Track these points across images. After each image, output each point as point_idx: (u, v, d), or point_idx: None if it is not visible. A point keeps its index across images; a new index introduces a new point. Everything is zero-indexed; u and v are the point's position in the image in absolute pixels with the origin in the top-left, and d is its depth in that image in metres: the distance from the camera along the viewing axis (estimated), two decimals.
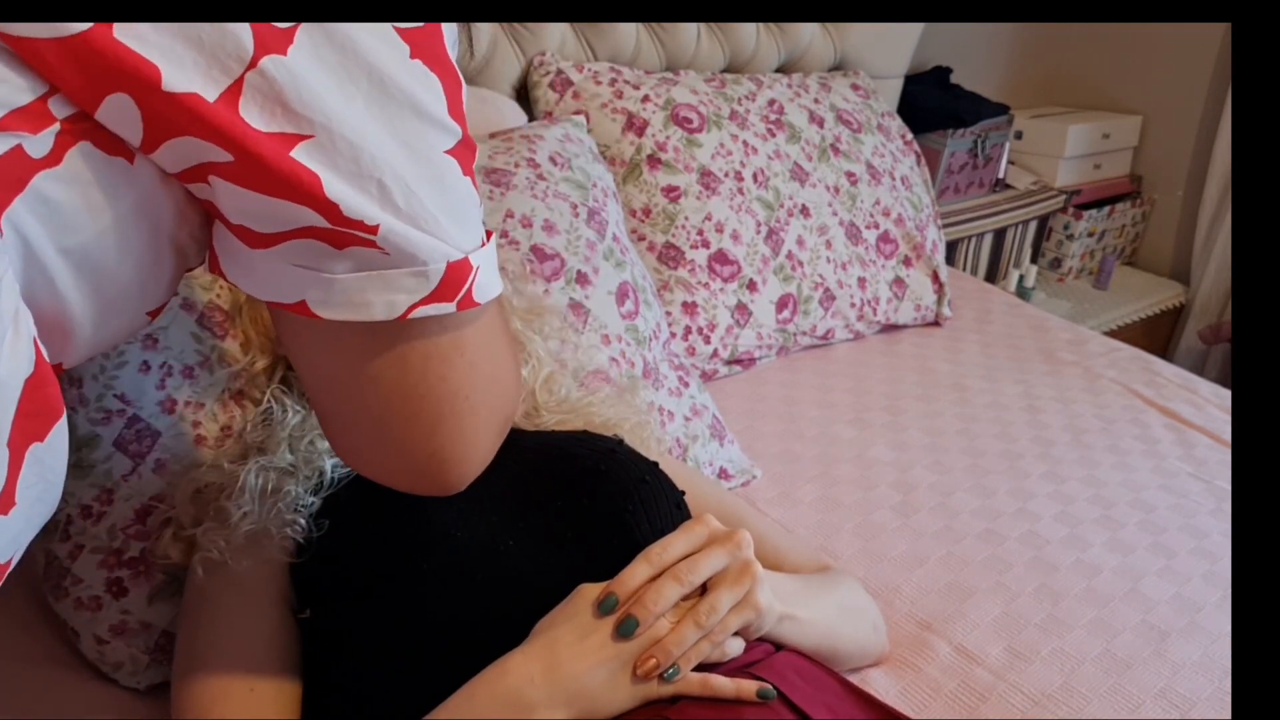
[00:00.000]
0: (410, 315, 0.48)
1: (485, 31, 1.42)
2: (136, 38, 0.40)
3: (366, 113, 0.44)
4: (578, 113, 1.45)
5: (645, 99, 1.47)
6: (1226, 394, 1.54)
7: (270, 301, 0.49)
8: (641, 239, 1.41)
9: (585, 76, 1.47)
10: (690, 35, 1.62)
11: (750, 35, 1.69)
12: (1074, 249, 2.40)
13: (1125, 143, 2.46)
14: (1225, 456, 1.36)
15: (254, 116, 0.42)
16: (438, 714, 0.65)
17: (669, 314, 1.38)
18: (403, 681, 0.69)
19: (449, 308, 0.49)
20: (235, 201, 0.45)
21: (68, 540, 0.85)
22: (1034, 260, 2.31)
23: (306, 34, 0.42)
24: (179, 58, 0.40)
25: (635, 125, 1.44)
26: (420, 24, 0.46)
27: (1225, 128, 2.27)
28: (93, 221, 0.44)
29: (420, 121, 0.46)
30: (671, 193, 1.42)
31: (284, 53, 0.41)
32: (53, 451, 0.46)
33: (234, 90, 0.41)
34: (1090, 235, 2.41)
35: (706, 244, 1.42)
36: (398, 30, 0.45)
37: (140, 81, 0.40)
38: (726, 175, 1.46)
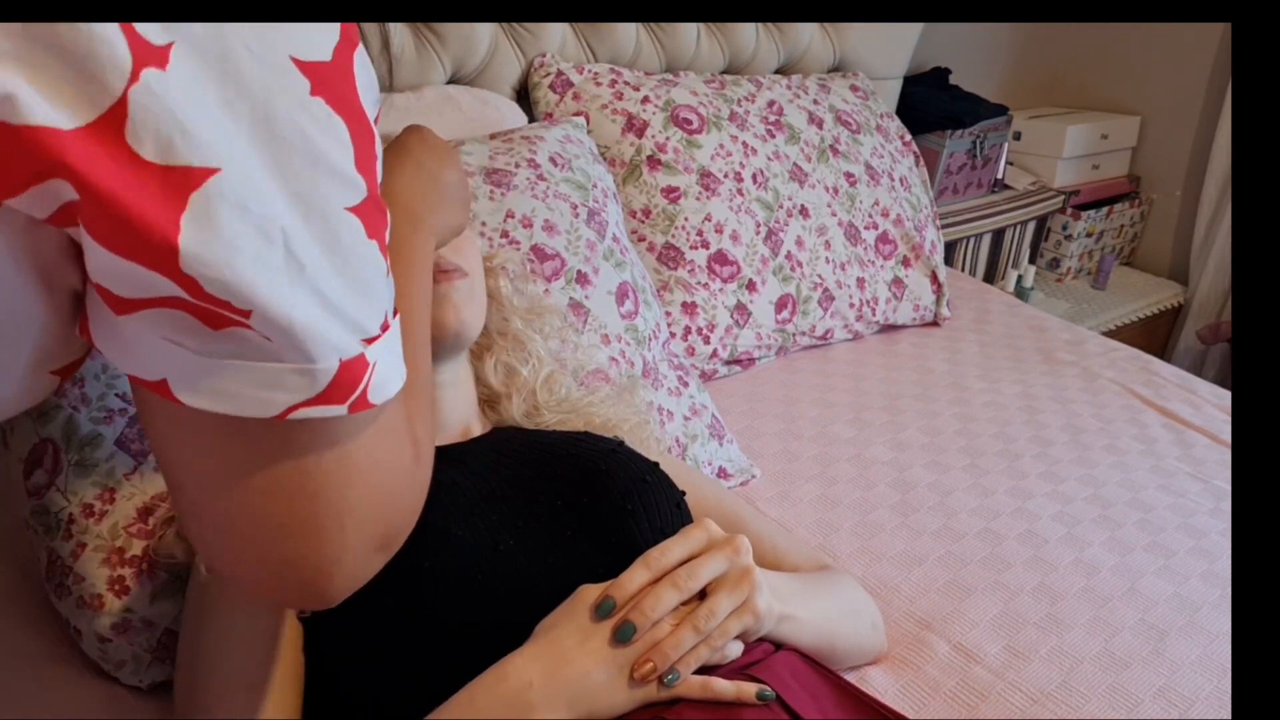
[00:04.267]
0: (289, 417, 0.40)
1: (485, 33, 1.42)
2: None
3: (249, 151, 0.36)
4: (578, 114, 1.45)
5: (645, 100, 1.47)
6: (1225, 394, 1.54)
7: (130, 375, 0.42)
8: (641, 239, 1.42)
9: (585, 78, 1.47)
10: (690, 36, 1.62)
11: (750, 36, 1.70)
12: (1072, 249, 2.40)
13: (1123, 143, 2.46)
14: (1223, 456, 1.36)
15: (137, 144, 0.34)
16: (438, 714, 0.65)
17: (669, 314, 1.39)
18: (403, 680, 0.69)
19: (339, 410, 0.41)
20: (93, 253, 0.37)
21: (70, 539, 0.85)
22: (1032, 260, 2.32)
23: (183, 53, 0.35)
24: (46, 70, 0.33)
25: (635, 126, 1.45)
26: (327, 59, 0.39)
27: (1223, 128, 2.28)
28: None
29: (314, 169, 0.38)
30: (671, 193, 1.43)
31: (163, 68, 0.34)
32: None
33: (115, 112, 0.33)
34: (1089, 235, 2.42)
35: (706, 244, 1.43)
36: (297, 62, 0.38)
37: None
38: (726, 176, 1.46)
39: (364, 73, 0.41)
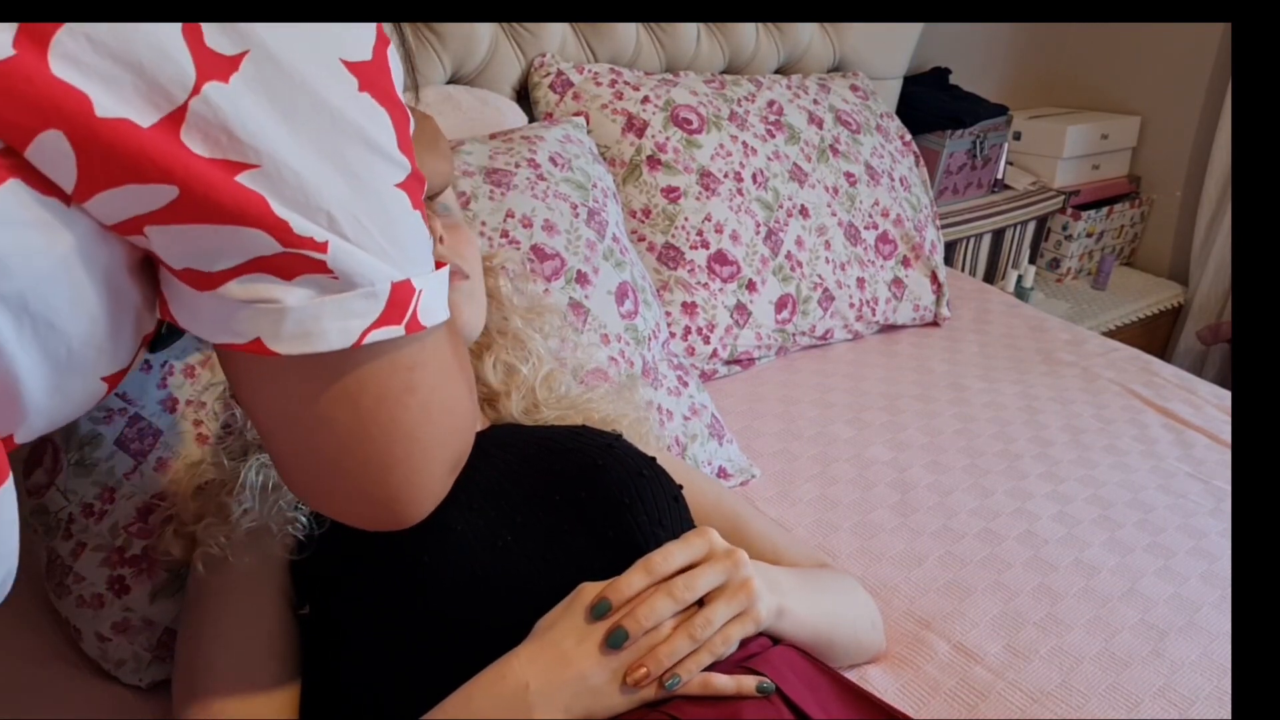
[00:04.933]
0: (364, 341, 0.47)
1: (485, 33, 1.42)
2: (73, 64, 0.38)
3: (315, 145, 0.43)
4: (578, 114, 1.45)
5: (645, 100, 1.47)
6: (1225, 394, 1.54)
7: (223, 344, 0.47)
8: (641, 239, 1.42)
9: (585, 78, 1.47)
10: (690, 36, 1.62)
11: (750, 36, 1.70)
12: (1072, 249, 2.40)
13: (1124, 143, 2.46)
14: (1224, 456, 1.36)
15: (196, 144, 0.40)
16: (435, 714, 0.65)
17: (668, 314, 1.39)
18: (402, 677, 0.70)
19: (398, 330, 0.48)
20: (177, 244, 0.43)
21: (70, 538, 0.85)
22: (1032, 261, 2.32)
23: (254, 63, 0.41)
24: (117, 82, 0.38)
25: (635, 126, 1.45)
26: (369, 58, 0.45)
27: (1224, 128, 2.28)
28: (29, 266, 0.41)
29: (371, 154, 0.45)
30: (671, 193, 1.43)
31: (225, 80, 0.40)
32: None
33: (175, 117, 0.40)
34: (1089, 236, 2.41)
35: (706, 244, 1.43)
36: (346, 64, 0.44)
37: (72, 114, 0.38)
38: (726, 176, 1.46)
39: (396, 65, 0.47)
